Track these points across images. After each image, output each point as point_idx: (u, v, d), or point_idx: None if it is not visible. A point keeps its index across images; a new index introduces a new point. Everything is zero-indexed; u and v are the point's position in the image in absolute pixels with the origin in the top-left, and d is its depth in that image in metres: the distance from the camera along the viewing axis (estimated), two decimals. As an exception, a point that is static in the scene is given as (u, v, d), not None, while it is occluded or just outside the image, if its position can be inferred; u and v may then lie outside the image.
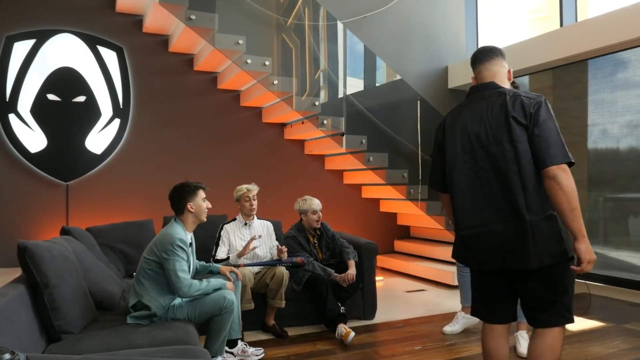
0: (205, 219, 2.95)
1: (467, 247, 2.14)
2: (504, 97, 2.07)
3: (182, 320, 2.75)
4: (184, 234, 2.82)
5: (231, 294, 2.85)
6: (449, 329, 3.74)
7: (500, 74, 2.21)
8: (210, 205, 2.96)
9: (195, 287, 2.73)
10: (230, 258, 3.67)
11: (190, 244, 2.90)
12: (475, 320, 3.56)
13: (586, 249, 1.96)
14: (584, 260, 1.96)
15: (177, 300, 2.81)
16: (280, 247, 3.83)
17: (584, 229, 1.97)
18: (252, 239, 3.68)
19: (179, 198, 2.87)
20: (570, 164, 1.96)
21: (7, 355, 1.32)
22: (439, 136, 2.28)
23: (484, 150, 2.08)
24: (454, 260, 5.63)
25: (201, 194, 2.92)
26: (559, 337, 2.09)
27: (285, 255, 3.77)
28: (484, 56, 2.25)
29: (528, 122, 1.99)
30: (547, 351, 2.07)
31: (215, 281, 2.86)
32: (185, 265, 2.74)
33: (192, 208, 2.86)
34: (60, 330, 2.42)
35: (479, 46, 2.52)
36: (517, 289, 2.14)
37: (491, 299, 2.21)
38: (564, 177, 1.93)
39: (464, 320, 3.75)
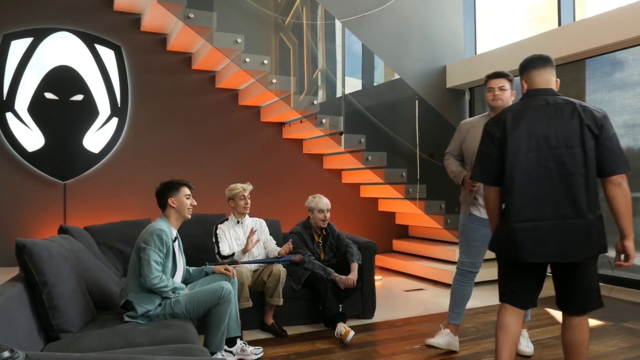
0: (189, 216, 2.96)
1: (518, 239, 2.28)
2: (573, 105, 2.29)
3: (181, 316, 2.74)
4: (167, 227, 2.82)
5: (228, 284, 2.86)
6: (435, 340, 3.28)
7: (552, 82, 2.42)
8: (195, 203, 2.98)
9: (164, 282, 2.71)
10: (236, 254, 3.66)
11: (175, 239, 2.91)
12: (456, 345, 3.29)
13: (633, 247, 2.31)
14: (632, 256, 2.29)
15: (174, 295, 2.81)
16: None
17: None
18: (252, 232, 3.68)
19: (162, 194, 2.92)
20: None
21: (7, 353, 1.31)
22: (497, 132, 2.39)
23: (551, 151, 2.27)
24: (452, 260, 5.64)
25: (184, 190, 2.94)
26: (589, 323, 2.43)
27: (291, 247, 3.79)
28: (538, 63, 2.44)
29: (599, 132, 2.24)
30: (587, 335, 2.40)
31: (178, 284, 2.85)
32: (159, 258, 2.73)
33: (173, 203, 2.89)
34: (58, 329, 2.41)
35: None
36: (561, 279, 2.39)
37: (525, 287, 2.41)
38: (625, 184, 2.25)
39: (449, 338, 3.29)
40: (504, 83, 3.11)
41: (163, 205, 2.93)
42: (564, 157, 2.24)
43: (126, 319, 2.70)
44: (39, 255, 2.41)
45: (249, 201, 3.86)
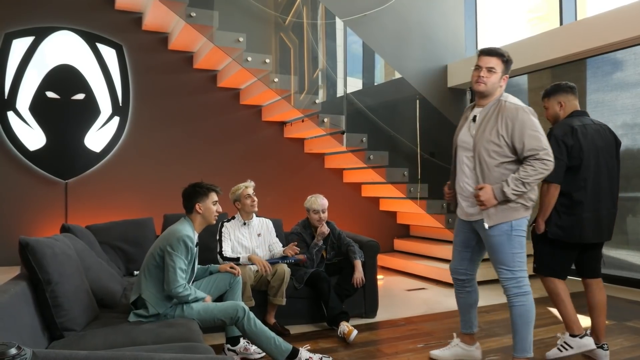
0: (213, 222, 2.95)
1: (584, 225, 2.94)
2: (607, 127, 3.13)
3: (188, 319, 2.72)
4: (192, 232, 2.81)
5: (245, 307, 2.78)
6: (438, 353, 3.13)
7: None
8: (220, 209, 2.95)
9: (187, 291, 2.70)
10: (241, 259, 3.65)
11: (197, 244, 2.89)
12: (473, 354, 3.09)
13: None
14: None
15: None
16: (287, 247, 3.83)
17: None
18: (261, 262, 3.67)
19: (190, 197, 2.88)
20: None
21: (14, 350, 1.31)
22: (571, 141, 2.92)
23: (604, 160, 3.00)
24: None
25: (213, 196, 2.90)
26: None
27: (297, 251, 3.77)
28: (574, 90, 3.14)
29: (618, 149, 3.13)
30: (606, 295, 3.16)
31: (200, 294, 2.82)
32: (184, 266, 2.72)
33: (200, 209, 2.86)
34: (62, 327, 2.40)
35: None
36: (590, 253, 3.10)
37: (570, 263, 3.11)
38: None
39: (458, 349, 3.09)
40: (495, 64, 2.67)
41: (189, 208, 2.89)
42: (610, 165, 3.03)
43: (133, 318, 2.69)
44: (42, 254, 2.40)
45: (255, 199, 3.81)
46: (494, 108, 2.69)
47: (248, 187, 3.81)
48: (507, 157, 2.63)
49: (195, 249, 2.87)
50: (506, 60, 2.72)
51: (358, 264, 3.93)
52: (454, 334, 3.20)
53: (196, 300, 2.76)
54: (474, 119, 2.76)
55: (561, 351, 3.07)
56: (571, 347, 3.03)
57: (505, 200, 2.61)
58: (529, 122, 2.60)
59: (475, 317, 3.07)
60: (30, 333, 2.20)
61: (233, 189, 3.85)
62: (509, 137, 2.60)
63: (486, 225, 2.68)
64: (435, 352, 3.15)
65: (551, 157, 2.59)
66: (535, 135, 2.58)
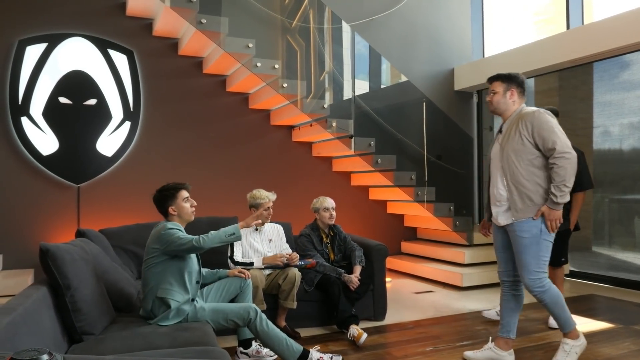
0: (192, 218, 2.95)
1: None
2: None
3: (202, 321, 2.78)
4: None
5: (257, 309, 2.84)
6: (471, 354, 3.23)
7: None
8: (195, 203, 2.95)
9: (203, 237, 2.71)
10: (255, 262, 3.71)
11: None
12: (502, 357, 3.15)
13: None
14: None
15: (201, 302, 2.85)
16: (289, 254, 3.82)
17: None
18: (282, 256, 3.75)
19: (160, 203, 2.90)
20: None
21: (46, 356, 1.36)
22: None
23: None
24: (461, 262, 5.70)
25: (182, 194, 2.90)
26: None
27: (296, 262, 3.78)
28: (557, 115, 3.43)
29: None
30: None
31: (227, 228, 2.81)
32: (181, 233, 2.75)
33: (174, 211, 2.89)
34: (81, 331, 2.47)
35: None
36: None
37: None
38: None
39: (491, 353, 3.16)
40: (494, 86, 3.08)
41: (164, 213, 2.92)
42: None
43: (153, 320, 2.75)
44: (62, 259, 2.47)
45: (271, 211, 3.85)
46: (516, 117, 3.02)
47: (271, 199, 3.81)
48: (532, 154, 2.91)
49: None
50: (505, 78, 3.07)
51: (357, 268, 4.00)
52: (490, 337, 3.35)
53: (227, 234, 2.76)
54: (500, 131, 3.13)
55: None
56: None
57: (528, 198, 2.90)
58: (544, 120, 2.88)
59: (515, 323, 3.17)
60: (52, 337, 2.26)
61: (254, 194, 3.81)
62: (530, 136, 2.89)
63: (513, 219, 2.95)
64: (468, 354, 3.28)
65: (569, 149, 2.82)
66: (552, 130, 2.85)
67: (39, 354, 1.37)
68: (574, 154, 2.83)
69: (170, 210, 2.89)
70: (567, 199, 2.84)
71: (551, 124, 2.87)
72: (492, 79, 3.12)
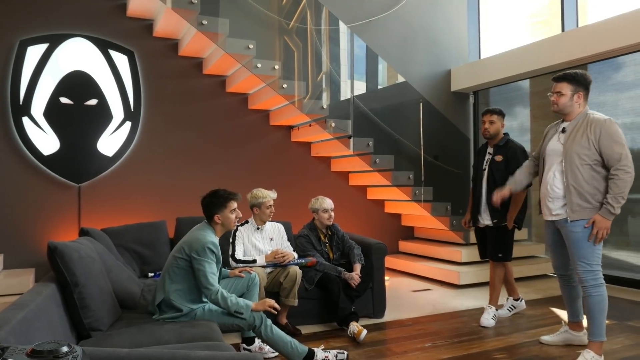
0: (233, 228, 3.05)
1: None
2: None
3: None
4: (215, 238, 2.91)
5: (262, 314, 2.87)
6: (548, 338, 3.50)
7: None
8: (240, 215, 3.02)
9: (223, 296, 2.75)
10: (258, 260, 3.76)
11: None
12: (579, 339, 3.41)
13: None
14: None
15: (210, 305, 2.90)
16: (284, 254, 3.84)
17: None
18: (281, 252, 3.83)
19: (208, 208, 2.96)
20: None
21: (65, 348, 1.41)
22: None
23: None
24: (458, 260, 5.77)
25: (231, 205, 2.95)
26: None
27: (287, 260, 3.82)
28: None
29: None
30: None
31: (243, 302, 2.82)
32: (215, 268, 2.82)
33: (219, 219, 2.95)
34: (89, 327, 2.51)
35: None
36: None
37: None
38: None
39: (568, 335, 3.45)
40: (561, 87, 3.10)
41: (209, 217, 2.96)
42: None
43: (158, 316, 2.79)
44: (70, 257, 2.52)
45: (273, 209, 3.92)
46: (582, 120, 3.08)
47: (272, 198, 3.89)
48: (596, 160, 3.00)
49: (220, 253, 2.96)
50: (573, 80, 3.09)
51: (357, 267, 4.06)
52: (563, 322, 3.60)
53: (239, 309, 2.77)
54: (563, 131, 3.16)
55: (510, 311, 4.25)
56: (515, 308, 4.27)
57: (586, 200, 3.00)
58: (614, 130, 2.98)
59: (580, 307, 3.37)
60: (61, 333, 2.30)
61: (255, 194, 3.89)
62: (597, 143, 2.97)
63: (569, 219, 3.04)
64: (545, 338, 3.52)
65: (631, 163, 2.93)
66: (619, 142, 2.95)
67: (59, 346, 1.41)
68: (633, 168, 2.94)
69: (216, 218, 2.94)
70: (619, 212, 2.94)
71: (620, 134, 2.97)
72: (559, 79, 3.12)
